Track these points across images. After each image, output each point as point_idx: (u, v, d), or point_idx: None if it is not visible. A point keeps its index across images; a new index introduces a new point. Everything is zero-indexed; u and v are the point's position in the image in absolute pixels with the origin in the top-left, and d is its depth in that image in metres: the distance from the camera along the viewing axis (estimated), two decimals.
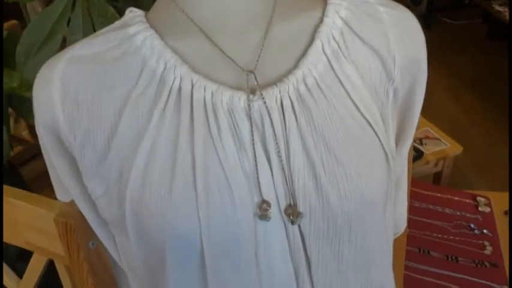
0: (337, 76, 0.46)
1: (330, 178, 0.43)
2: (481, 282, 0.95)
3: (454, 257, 0.99)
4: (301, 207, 0.43)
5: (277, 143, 0.43)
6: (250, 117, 0.43)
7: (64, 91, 0.45)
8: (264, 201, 0.42)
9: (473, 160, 2.12)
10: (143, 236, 0.45)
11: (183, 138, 0.42)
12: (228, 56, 0.44)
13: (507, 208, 1.15)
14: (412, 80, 0.51)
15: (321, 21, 0.48)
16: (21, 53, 0.61)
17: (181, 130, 0.43)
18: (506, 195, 1.20)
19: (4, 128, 0.67)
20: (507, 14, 2.84)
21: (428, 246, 1.01)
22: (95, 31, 0.61)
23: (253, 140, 0.42)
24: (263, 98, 0.43)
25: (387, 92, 0.50)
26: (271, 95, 0.44)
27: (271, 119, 0.43)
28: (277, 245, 0.44)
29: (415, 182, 1.13)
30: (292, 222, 0.43)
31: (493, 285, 0.94)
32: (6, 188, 0.56)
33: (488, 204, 1.14)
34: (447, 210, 1.10)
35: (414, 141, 1.00)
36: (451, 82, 2.96)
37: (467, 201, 1.14)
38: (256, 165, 0.42)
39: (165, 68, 0.44)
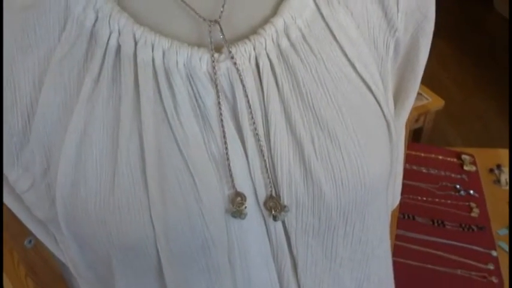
0: (328, 26, 0.36)
1: (323, 162, 0.33)
2: (469, 247, 0.90)
3: (440, 222, 0.94)
4: (285, 200, 0.33)
5: (252, 118, 0.33)
6: (216, 84, 0.32)
7: None
8: (237, 194, 0.33)
9: (449, 112, 2.09)
10: (83, 244, 0.35)
11: (126, 114, 0.31)
12: (183, 1, 0.33)
13: (492, 165, 1.10)
14: (416, 29, 0.41)
15: None
16: None
17: (123, 105, 0.32)
18: (490, 151, 1.15)
19: None
20: None
21: (413, 211, 0.95)
22: None
23: (221, 114, 0.32)
24: (232, 58, 0.32)
25: (387, 44, 0.40)
26: (243, 53, 0.33)
27: (243, 85, 0.32)
28: (255, 246, 0.35)
29: None
30: (274, 218, 0.34)
31: (481, 250, 0.90)
32: None
33: (473, 163, 1.09)
34: (432, 171, 1.03)
35: None
36: None
37: (452, 160, 1.08)
38: (226, 148, 0.32)
39: (96, 18, 0.32)
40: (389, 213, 0.46)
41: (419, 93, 1.41)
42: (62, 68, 0.32)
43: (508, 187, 1.05)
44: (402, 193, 1.01)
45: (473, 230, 0.93)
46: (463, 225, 0.93)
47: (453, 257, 0.88)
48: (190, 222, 0.32)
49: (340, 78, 0.35)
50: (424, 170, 1.04)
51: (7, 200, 0.40)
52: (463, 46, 2.66)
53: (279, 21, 0.34)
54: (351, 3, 0.37)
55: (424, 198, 0.98)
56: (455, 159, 1.08)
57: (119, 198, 0.31)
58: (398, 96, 0.45)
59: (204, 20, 0.33)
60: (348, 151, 0.33)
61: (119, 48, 0.32)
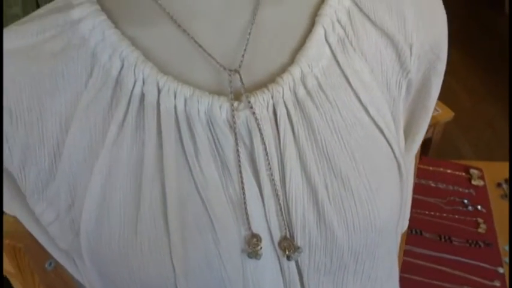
0: (343, 73, 0.37)
1: (336, 207, 0.34)
2: (475, 263, 0.91)
3: (447, 237, 0.95)
4: (299, 241, 0.35)
5: (269, 163, 0.34)
6: (234, 131, 0.33)
7: (5, 93, 0.34)
8: (253, 235, 0.34)
9: (458, 119, 2.09)
10: (105, 276, 0.37)
11: (149, 160, 0.33)
12: (205, 50, 0.34)
13: (500, 180, 1.11)
14: (429, 69, 0.43)
15: (323, 0, 0.37)
16: None
17: (147, 150, 0.33)
18: (498, 165, 1.16)
19: None
20: None
21: (421, 226, 0.95)
22: (37, 3, 0.49)
23: (239, 159, 0.33)
24: (251, 107, 0.33)
25: (400, 85, 0.41)
26: (262, 102, 0.34)
27: (261, 133, 0.34)
28: (269, 283, 0.36)
29: None
30: (288, 258, 0.35)
31: (488, 266, 0.91)
32: None
33: (481, 177, 1.09)
34: (440, 185, 1.04)
35: None
36: None
37: (461, 174, 1.09)
38: (243, 192, 0.33)
39: (122, 66, 0.34)
40: (399, 243, 0.47)
41: None
42: (88, 113, 0.34)
43: None
44: (411, 207, 1.01)
45: (480, 246, 0.94)
46: (470, 241, 0.94)
47: (460, 273, 0.89)
48: (209, 263, 0.33)
49: (354, 124, 0.36)
50: (432, 184, 1.04)
51: (32, 230, 0.42)
52: (473, 51, 2.64)
53: (296, 70, 0.35)
54: (365, 48, 0.38)
55: (432, 213, 0.99)
56: (463, 173, 1.09)
57: (141, 240, 0.33)
58: (409, 131, 0.46)
59: (225, 69, 0.34)
60: (360, 196, 0.35)
61: (142, 96, 0.34)
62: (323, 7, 0.37)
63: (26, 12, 0.46)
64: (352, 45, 0.37)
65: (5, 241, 0.44)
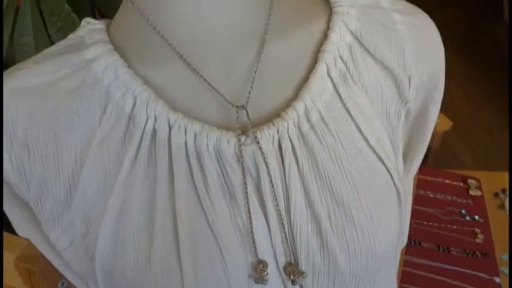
0: (344, 106, 0.39)
1: (338, 235, 0.36)
2: (473, 273, 0.93)
3: (445, 247, 0.97)
4: (303, 266, 0.37)
5: (274, 194, 0.36)
6: (242, 165, 0.35)
7: (9, 134, 0.36)
8: (260, 262, 0.36)
9: (456, 125, 2.10)
10: None
11: (161, 194, 0.35)
12: (213, 88, 0.36)
13: (497, 190, 1.13)
14: (426, 97, 0.44)
15: (326, 36, 0.39)
16: None
17: (159, 184, 0.35)
18: (496, 175, 1.18)
19: None
20: None
21: (419, 236, 0.97)
22: (47, 33, 0.51)
23: (246, 191, 0.35)
24: (257, 142, 0.35)
25: (399, 114, 0.43)
26: (267, 136, 0.36)
27: (267, 166, 0.36)
28: None
29: None
30: (293, 282, 0.37)
31: (484, 276, 0.93)
32: None
33: (479, 187, 1.11)
34: (438, 196, 1.06)
35: None
36: None
37: (458, 184, 1.11)
38: (250, 221, 0.35)
39: (134, 104, 0.36)
40: (398, 262, 0.49)
41: None
42: (102, 149, 0.36)
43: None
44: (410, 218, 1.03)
45: (477, 256, 0.96)
46: (468, 251, 0.96)
47: (457, 283, 0.91)
48: None
49: (355, 155, 0.38)
50: (430, 195, 1.06)
51: (47, 254, 0.44)
52: (472, 58, 2.66)
53: (300, 106, 0.37)
54: (366, 81, 0.40)
55: (430, 223, 1.01)
56: (461, 184, 1.11)
57: (155, 268, 0.34)
58: (407, 155, 0.48)
59: (232, 105, 0.36)
60: (361, 225, 0.37)
61: (154, 133, 0.35)
62: (326, 43, 0.39)
63: (36, 41, 0.48)
64: (353, 79, 0.39)
65: (20, 264, 0.46)
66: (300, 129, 0.37)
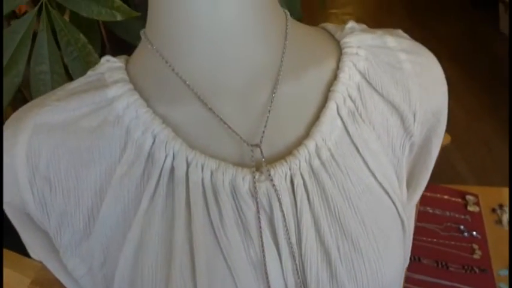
0: (353, 142, 0.40)
1: (347, 267, 0.38)
2: None
3: (444, 263, 0.99)
4: None
5: (287, 229, 0.37)
6: (256, 201, 0.37)
7: (32, 168, 0.38)
8: None
9: (454, 137, 2.12)
10: None
11: (179, 228, 0.36)
12: (229, 127, 0.38)
13: (494, 205, 1.15)
14: (430, 131, 0.47)
15: (336, 76, 0.41)
16: None
17: (177, 219, 0.37)
18: (493, 190, 1.20)
19: None
20: None
21: (419, 252, 0.99)
22: (63, 63, 0.52)
23: (260, 225, 0.37)
24: (271, 179, 0.37)
25: (404, 147, 0.45)
26: (280, 173, 0.38)
27: (280, 202, 0.37)
28: None
29: None
30: None
31: None
32: None
33: (477, 203, 1.13)
34: (437, 211, 1.08)
35: None
36: (430, 51, 2.92)
37: (457, 200, 1.13)
38: (263, 254, 0.37)
39: (153, 142, 0.37)
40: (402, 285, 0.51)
41: None
42: (122, 184, 0.37)
43: (508, 227, 1.09)
44: None
45: (475, 272, 0.98)
46: (466, 267, 0.98)
47: None
48: None
49: (363, 191, 0.40)
50: (430, 210, 1.08)
51: (63, 280, 0.46)
52: (470, 70, 2.69)
53: (311, 144, 0.39)
54: (373, 117, 0.42)
55: (429, 239, 1.03)
56: (459, 199, 1.13)
57: None
58: (411, 183, 0.50)
59: (248, 144, 0.38)
60: (369, 257, 0.38)
61: (172, 170, 0.37)
62: (335, 83, 0.41)
63: (52, 69, 0.50)
64: (361, 116, 0.41)
65: None
66: (311, 166, 0.39)
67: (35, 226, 0.42)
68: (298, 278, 0.38)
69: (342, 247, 0.38)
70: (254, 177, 0.37)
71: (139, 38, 0.41)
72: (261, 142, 0.38)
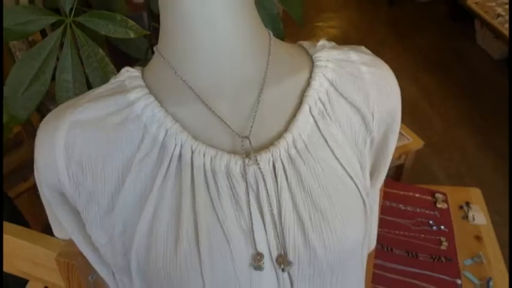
0: (322, 136, 0.50)
1: (317, 233, 0.48)
2: (438, 276, 1.05)
3: (414, 253, 1.09)
4: (290, 257, 0.48)
5: (270, 203, 0.47)
6: (246, 180, 0.47)
7: (68, 156, 0.47)
8: (258, 254, 0.47)
9: (431, 142, 2.24)
10: (150, 284, 0.49)
11: (186, 202, 0.46)
12: (224, 123, 0.48)
13: (461, 203, 1.26)
14: (387, 129, 0.56)
15: (309, 84, 0.52)
16: (9, 90, 0.61)
17: (184, 195, 0.46)
18: (460, 189, 1.32)
19: None
20: None
21: (392, 243, 1.10)
22: (85, 73, 0.62)
23: (249, 200, 0.46)
24: (258, 164, 0.47)
25: (365, 141, 0.54)
26: (265, 159, 0.48)
27: (264, 182, 0.47)
28: None
29: None
30: (283, 270, 0.48)
31: (448, 278, 1.05)
32: (7, 225, 0.57)
33: (445, 201, 1.25)
34: (409, 208, 1.19)
35: None
36: (410, 62, 3.05)
37: (427, 197, 1.24)
38: (251, 223, 0.47)
39: (166, 134, 0.47)
40: (365, 261, 0.61)
41: (401, 134, 1.58)
42: (140, 168, 0.47)
43: (474, 222, 1.21)
44: (383, 227, 1.16)
45: (442, 261, 1.08)
46: (434, 256, 1.08)
47: (424, 284, 1.03)
48: (227, 275, 0.46)
49: (331, 174, 0.50)
50: (402, 207, 1.19)
51: (85, 251, 0.55)
52: (447, 79, 2.82)
53: (289, 137, 0.49)
54: (339, 117, 0.52)
55: (402, 232, 1.13)
56: (429, 197, 1.24)
57: (180, 261, 0.46)
58: (373, 172, 0.60)
59: (239, 136, 0.48)
60: (335, 226, 0.48)
61: (180, 156, 0.47)
62: (308, 89, 0.51)
63: (75, 78, 0.59)
64: (329, 116, 0.51)
65: (61, 259, 0.56)
66: (289, 153, 0.49)
67: (67, 204, 0.51)
68: (279, 242, 0.47)
69: (313, 217, 0.48)
70: (244, 162, 0.47)
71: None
72: (249, 135, 0.48)
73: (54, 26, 0.63)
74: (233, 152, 0.47)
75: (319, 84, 0.52)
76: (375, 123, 0.54)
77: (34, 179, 0.52)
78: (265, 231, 0.47)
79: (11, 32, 0.59)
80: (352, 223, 0.50)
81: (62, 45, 0.59)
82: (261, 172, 0.47)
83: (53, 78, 0.60)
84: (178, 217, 0.46)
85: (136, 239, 0.47)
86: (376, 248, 1.07)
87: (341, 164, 0.51)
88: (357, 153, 0.54)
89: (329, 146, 0.51)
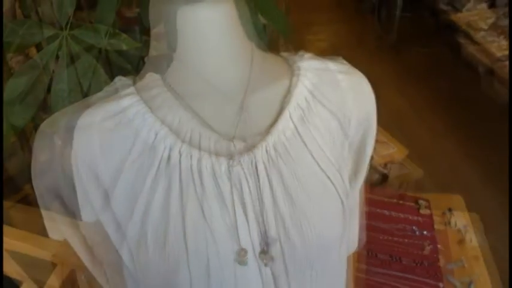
0: (302, 140, 0.54)
1: (297, 230, 0.52)
2: (420, 279, 1.09)
3: (398, 258, 1.13)
4: (272, 253, 0.51)
5: (252, 201, 0.51)
6: (230, 180, 0.51)
7: (66, 158, 0.51)
8: (242, 249, 0.50)
9: (416, 152, 2.28)
10: (141, 277, 0.52)
11: (174, 201, 0.50)
12: (210, 127, 0.52)
13: (444, 209, 1.31)
14: (364, 132, 0.60)
15: (289, 91, 0.56)
16: (6, 100, 0.65)
17: (172, 194, 0.50)
18: (443, 196, 1.37)
19: None
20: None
21: (376, 248, 1.14)
22: (80, 83, 0.66)
23: (233, 199, 0.50)
24: (241, 165, 0.51)
25: (343, 145, 0.58)
26: (248, 161, 0.51)
27: (247, 181, 0.51)
28: (252, 284, 0.52)
29: (366, 187, 1.26)
30: (265, 265, 0.51)
31: (431, 281, 1.09)
32: (5, 228, 0.60)
33: (428, 207, 1.29)
34: (393, 214, 1.23)
35: None
36: (398, 73, 3.12)
37: (410, 204, 1.28)
38: (235, 220, 0.50)
39: (155, 138, 0.51)
40: (345, 260, 0.64)
41: (385, 143, 1.62)
42: (132, 169, 0.50)
43: (456, 228, 1.25)
44: (368, 232, 1.18)
45: (425, 265, 1.12)
46: (416, 261, 1.12)
47: None
48: (213, 269, 0.50)
49: (309, 174, 0.54)
50: (386, 213, 1.23)
51: (79, 250, 0.58)
52: (433, 91, 2.88)
53: (270, 140, 0.53)
54: (317, 122, 0.56)
55: (386, 237, 1.17)
56: (413, 204, 1.29)
57: (169, 252, 0.49)
58: (353, 175, 0.64)
59: (224, 139, 0.52)
60: (314, 223, 0.52)
61: (169, 158, 0.51)
62: (289, 96, 0.55)
63: (70, 87, 0.63)
64: (308, 121, 0.55)
65: (56, 260, 0.59)
66: (270, 155, 0.53)
67: (63, 205, 0.54)
68: (261, 238, 0.51)
69: (293, 214, 0.51)
70: (229, 163, 0.51)
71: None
72: (234, 138, 0.52)
73: (48, 38, 0.66)
74: (219, 154, 0.51)
75: (299, 91, 0.56)
76: (352, 127, 0.58)
77: (25, 190, 0.56)
78: (249, 227, 0.50)
79: (9, 45, 0.63)
80: (330, 220, 0.54)
81: (57, 56, 0.63)
82: (244, 173, 0.51)
83: (48, 89, 0.64)
84: (167, 215, 0.49)
85: (128, 235, 0.50)
86: (360, 253, 1.11)
87: (320, 166, 0.55)
88: (335, 155, 0.58)
89: (308, 149, 0.55)
